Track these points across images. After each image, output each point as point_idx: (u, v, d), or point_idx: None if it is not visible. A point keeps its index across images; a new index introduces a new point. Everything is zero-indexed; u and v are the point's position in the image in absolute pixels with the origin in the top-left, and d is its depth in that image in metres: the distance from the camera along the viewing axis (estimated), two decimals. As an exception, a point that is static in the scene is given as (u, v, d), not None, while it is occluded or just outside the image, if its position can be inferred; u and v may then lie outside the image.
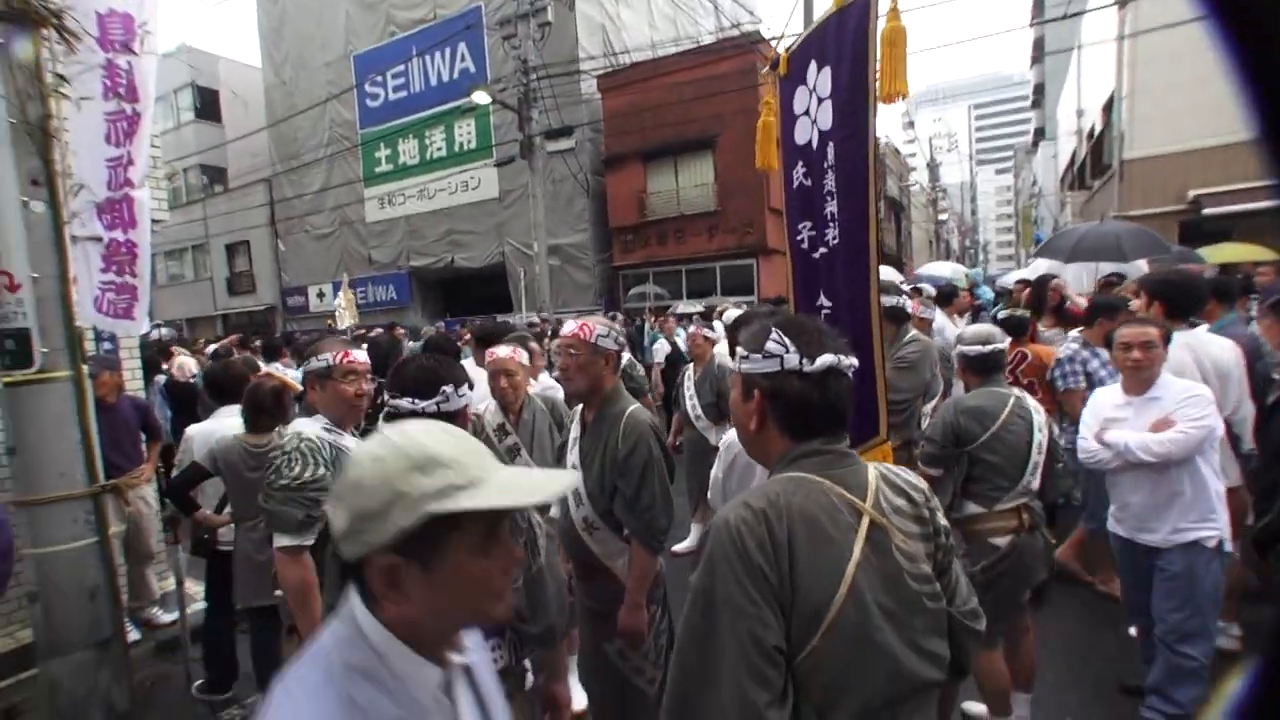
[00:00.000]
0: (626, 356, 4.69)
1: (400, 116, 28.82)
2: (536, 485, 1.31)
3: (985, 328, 4.22)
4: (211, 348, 14.22)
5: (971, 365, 3.99)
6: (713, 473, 3.30)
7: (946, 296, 9.05)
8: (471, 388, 2.84)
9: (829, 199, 3.54)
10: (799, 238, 3.85)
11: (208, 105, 35.57)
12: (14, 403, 3.66)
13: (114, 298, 4.48)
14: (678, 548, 6.48)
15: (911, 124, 55.10)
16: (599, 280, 26.04)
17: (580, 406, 3.52)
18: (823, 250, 3.66)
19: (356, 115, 30.23)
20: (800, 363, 1.73)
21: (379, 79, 28.60)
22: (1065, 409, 5.42)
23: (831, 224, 3.55)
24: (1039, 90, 50.36)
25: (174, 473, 5.16)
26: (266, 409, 4.19)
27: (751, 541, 1.59)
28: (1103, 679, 4.56)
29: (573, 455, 3.45)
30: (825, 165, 3.54)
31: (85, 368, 3.92)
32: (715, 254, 24.25)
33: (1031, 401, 3.90)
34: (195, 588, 5.62)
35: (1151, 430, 3.65)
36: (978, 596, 1.91)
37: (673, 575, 3.54)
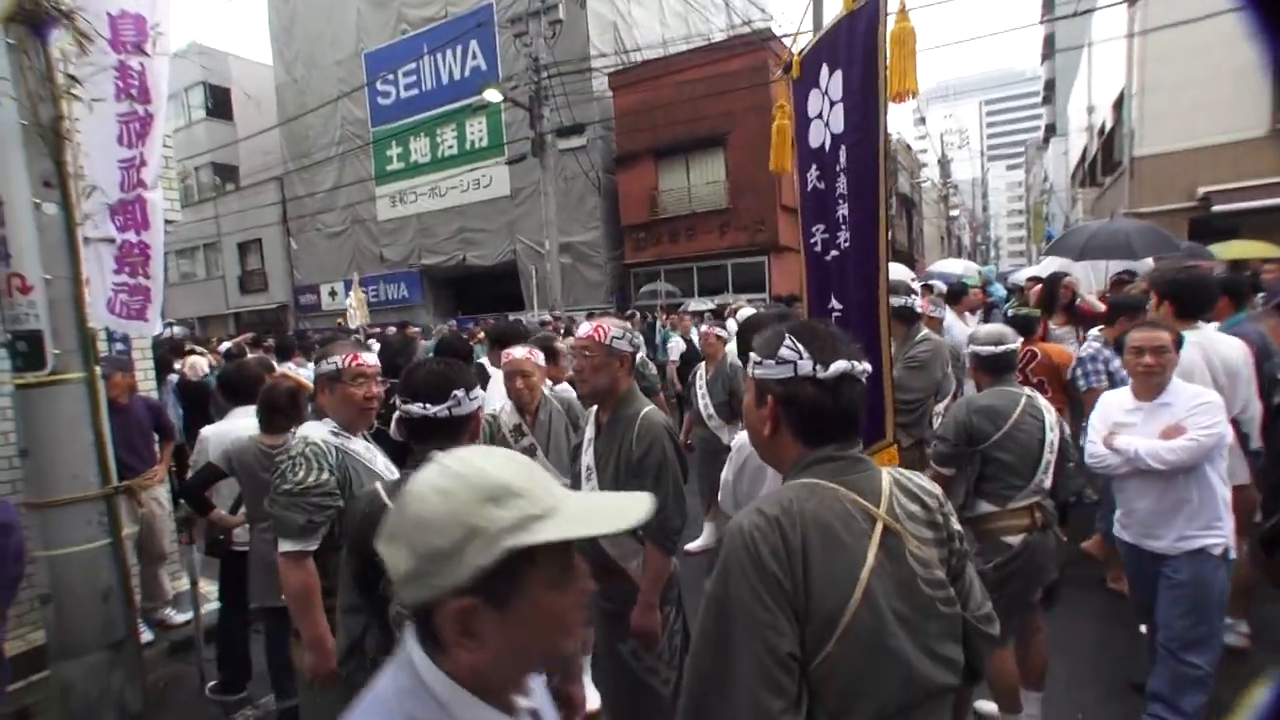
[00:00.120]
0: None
1: (412, 114, 28.88)
2: (616, 510, 1.19)
3: (998, 328, 4.20)
4: (225, 345, 14.25)
5: (984, 365, 3.98)
6: (723, 475, 3.28)
7: (956, 294, 9.01)
8: (484, 387, 2.83)
9: (841, 202, 3.53)
10: (813, 240, 3.85)
11: (219, 104, 35.61)
12: (26, 405, 3.68)
13: (127, 299, 4.49)
14: (691, 547, 6.47)
15: (923, 120, 54.88)
16: (610, 278, 26.07)
17: (595, 407, 3.51)
18: (834, 253, 3.66)
19: (368, 113, 30.30)
20: (814, 369, 1.72)
21: (390, 77, 28.65)
22: (1087, 408, 5.37)
23: (843, 227, 3.54)
24: (1050, 86, 50.00)
25: (188, 474, 5.16)
26: (282, 409, 4.18)
27: (765, 548, 1.58)
28: (1114, 677, 4.55)
29: (587, 456, 3.43)
30: (837, 168, 3.53)
31: (98, 369, 3.93)
32: (727, 251, 24.24)
33: (1042, 400, 3.90)
34: (209, 588, 5.62)
35: (1162, 437, 3.59)
36: (990, 595, 1.90)
37: (686, 575, 3.53)
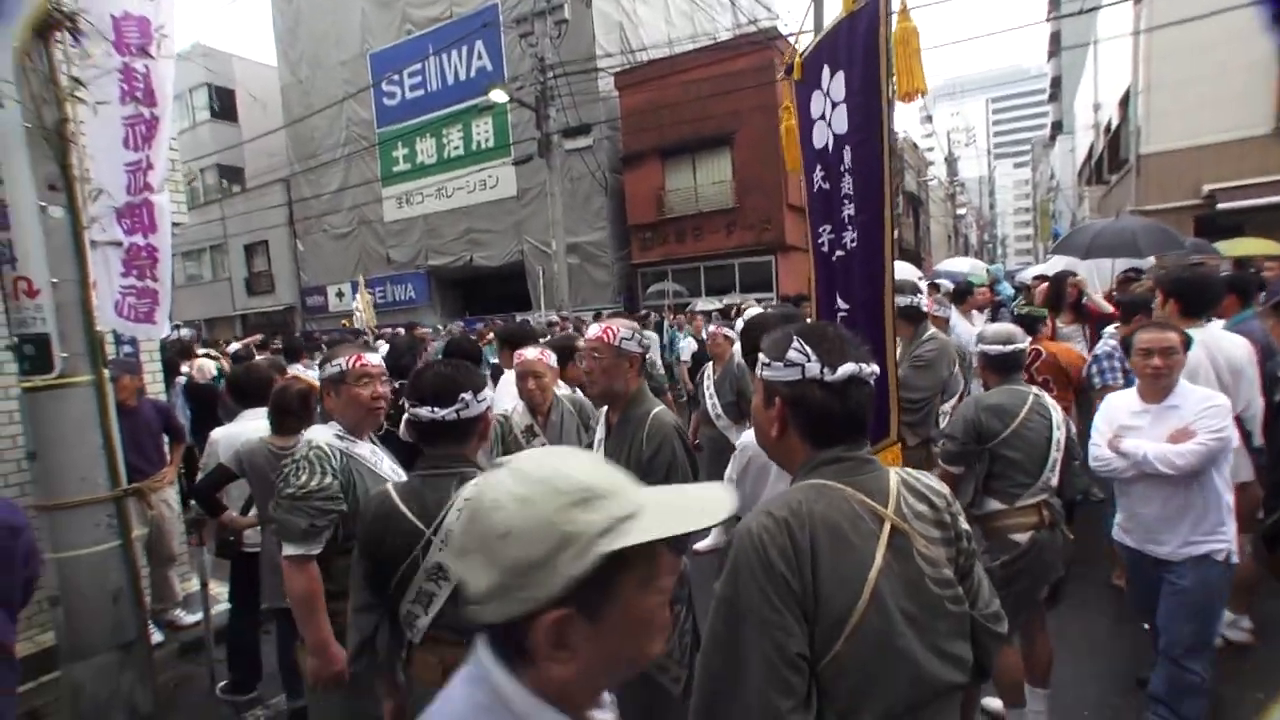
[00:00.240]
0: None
1: (417, 115, 28.91)
2: (700, 506, 1.12)
3: (1006, 327, 4.22)
4: (233, 347, 14.27)
5: (992, 364, 4.01)
6: (726, 475, 3.28)
7: (961, 294, 8.99)
8: (494, 386, 2.82)
9: (846, 202, 3.56)
10: (820, 241, 3.87)
11: (223, 105, 35.62)
12: (34, 408, 3.68)
13: (135, 302, 4.49)
14: (699, 546, 6.45)
15: (929, 118, 54.70)
16: (617, 278, 26.07)
17: (605, 408, 3.53)
18: (840, 253, 3.68)
19: (374, 114, 30.33)
20: (821, 372, 1.73)
21: (396, 78, 28.67)
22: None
23: (849, 227, 3.57)
24: (1056, 84, 50.01)
25: (197, 476, 5.17)
26: (293, 411, 4.18)
27: (774, 550, 1.60)
28: (1120, 674, 4.56)
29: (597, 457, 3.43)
30: (842, 169, 3.56)
31: (106, 372, 3.93)
32: (733, 251, 24.22)
33: (1049, 399, 3.92)
34: (219, 589, 5.65)
35: (1170, 440, 3.56)
36: (998, 593, 1.92)
37: (695, 574, 3.52)
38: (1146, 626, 4.13)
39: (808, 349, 1.75)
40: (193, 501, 4.96)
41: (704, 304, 19.51)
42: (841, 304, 3.72)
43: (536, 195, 25.11)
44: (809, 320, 3.03)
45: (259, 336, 16.45)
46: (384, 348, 9.48)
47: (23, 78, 3.53)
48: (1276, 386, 4.51)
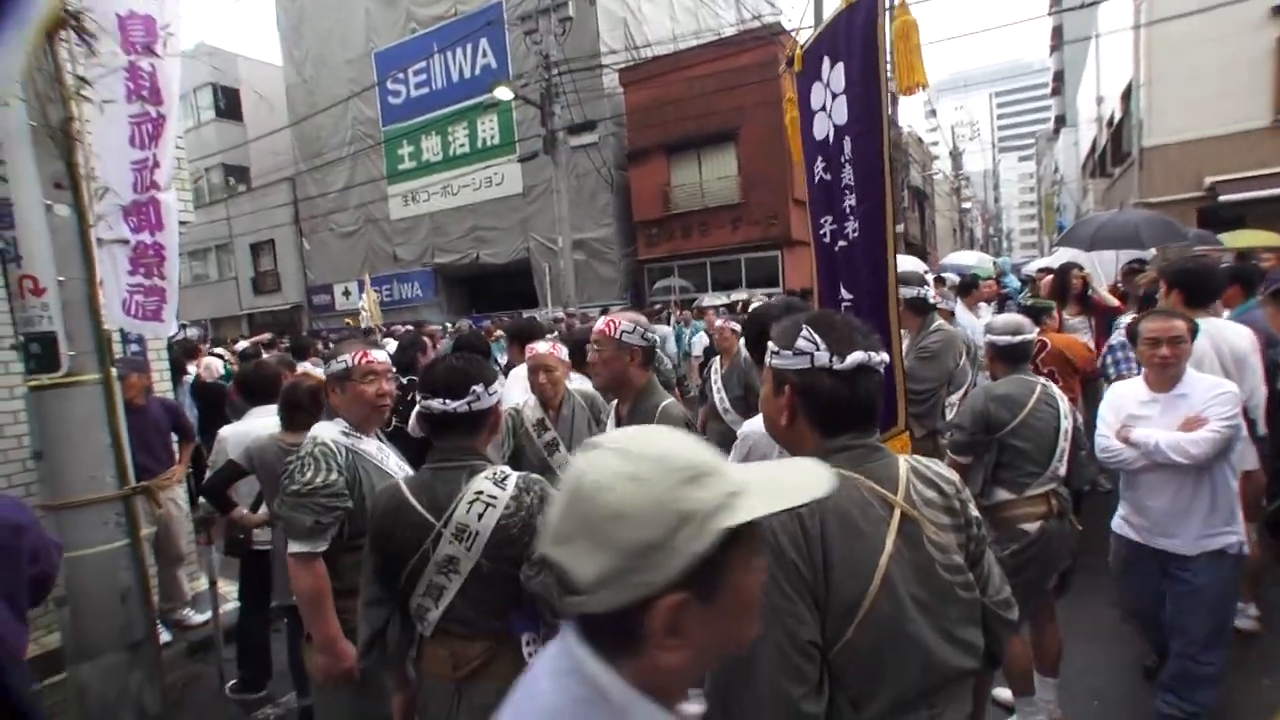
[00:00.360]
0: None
1: (423, 113, 28.93)
2: (802, 480, 1.10)
3: (1015, 318, 4.21)
4: (241, 345, 14.29)
5: (1001, 355, 4.02)
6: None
7: (966, 287, 9.00)
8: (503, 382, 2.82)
9: (847, 192, 3.58)
10: (821, 232, 3.89)
11: (229, 104, 35.55)
12: (41, 406, 3.67)
13: (142, 300, 4.49)
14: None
15: (934, 112, 54.68)
16: (624, 274, 26.09)
17: (615, 401, 3.55)
18: (843, 243, 3.70)
19: (379, 113, 30.37)
20: (830, 360, 1.72)
21: (401, 76, 28.68)
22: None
23: (851, 217, 3.59)
24: (1059, 78, 49.99)
25: (206, 474, 5.16)
26: (304, 407, 4.16)
27: (785, 538, 1.60)
28: (1128, 662, 4.55)
29: None
30: (843, 159, 3.58)
31: (114, 370, 3.93)
32: (739, 246, 24.25)
33: (1056, 389, 3.93)
34: (228, 588, 5.65)
35: (1182, 429, 3.49)
36: (1007, 582, 1.93)
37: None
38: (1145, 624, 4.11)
39: (817, 337, 1.74)
40: (201, 500, 4.96)
41: (710, 299, 19.52)
42: (845, 294, 3.74)
43: (542, 192, 25.11)
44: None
45: (267, 335, 16.40)
46: (391, 345, 9.50)
47: (28, 76, 3.52)
48: (1278, 374, 4.50)
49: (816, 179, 3.87)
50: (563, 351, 4.36)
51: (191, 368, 9.45)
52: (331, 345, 8.25)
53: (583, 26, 22.39)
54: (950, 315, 7.19)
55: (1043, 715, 3.93)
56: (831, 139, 3.66)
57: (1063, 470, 3.77)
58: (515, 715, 1.03)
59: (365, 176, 30.71)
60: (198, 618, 6.12)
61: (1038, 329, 4.83)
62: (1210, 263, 5.61)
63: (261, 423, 4.64)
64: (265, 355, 10.27)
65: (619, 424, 3.45)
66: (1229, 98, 17.43)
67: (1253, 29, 17.01)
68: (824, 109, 3.72)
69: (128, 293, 4.44)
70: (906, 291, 4.78)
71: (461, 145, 28.57)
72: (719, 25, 28.63)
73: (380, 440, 3.26)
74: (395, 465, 3.17)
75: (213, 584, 5.23)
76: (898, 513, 1.67)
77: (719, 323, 7.32)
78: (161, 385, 6.62)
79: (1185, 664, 3.54)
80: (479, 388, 2.47)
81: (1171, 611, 3.62)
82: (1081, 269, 7.72)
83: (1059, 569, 3.82)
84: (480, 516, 2.34)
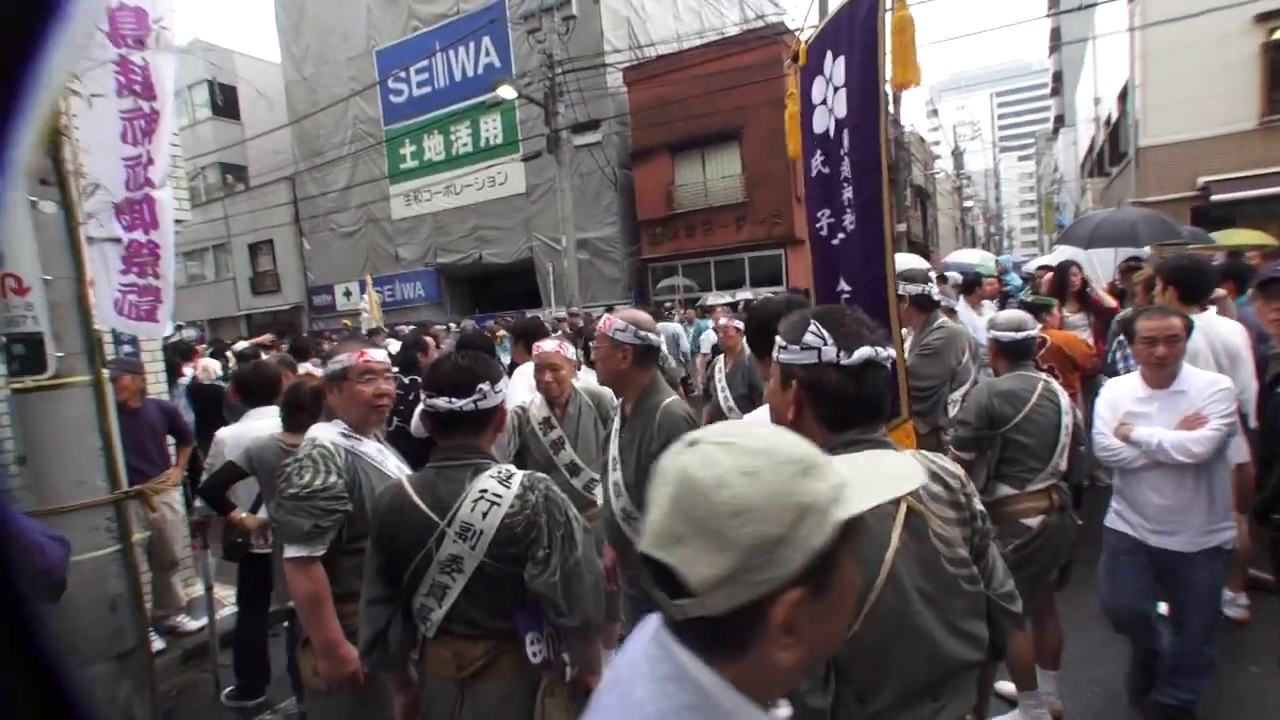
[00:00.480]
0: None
1: (425, 112, 28.92)
2: (901, 471, 1.13)
3: (1019, 314, 4.28)
4: (239, 345, 14.21)
5: (1004, 350, 4.07)
6: None
7: (969, 285, 9.17)
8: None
9: (846, 185, 3.68)
10: (818, 225, 4.00)
11: (226, 102, 35.29)
12: (25, 410, 3.54)
13: (136, 299, 4.39)
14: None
15: (935, 112, 54.76)
16: (627, 273, 26.17)
17: (621, 399, 3.59)
18: (841, 236, 3.80)
19: (380, 111, 30.35)
20: (838, 355, 1.73)
21: (402, 75, 28.68)
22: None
23: (849, 210, 3.68)
24: (1058, 79, 50.54)
25: (201, 478, 5.09)
26: (306, 408, 4.11)
27: None
28: (1127, 653, 4.52)
29: (613, 447, 3.53)
30: (842, 152, 3.68)
31: (105, 372, 3.82)
32: (743, 245, 24.35)
33: (1057, 385, 4.00)
34: (224, 593, 5.57)
35: (1182, 426, 3.60)
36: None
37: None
38: (1162, 608, 4.18)
39: (825, 332, 1.75)
40: (197, 503, 4.89)
41: (714, 298, 19.55)
42: (844, 285, 3.84)
43: (545, 191, 25.17)
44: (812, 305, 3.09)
45: (267, 337, 16.28)
46: (395, 345, 9.45)
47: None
48: (1269, 366, 4.53)
49: (814, 173, 3.98)
50: (569, 350, 4.45)
51: (188, 369, 9.38)
52: (331, 344, 8.19)
53: (586, 25, 22.37)
54: (952, 313, 7.25)
55: (1044, 709, 4.00)
56: (831, 132, 3.75)
57: (1064, 465, 3.83)
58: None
59: (367, 176, 30.68)
60: (192, 624, 6.03)
61: (1039, 325, 4.88)
62: (1204, 260, 5.90)
63: (259, 424, 4.61)
64: (265, 356, 10.20)
65: (622, 422, 3.52)
66: (1218, 100, 18.07)
67: (1238, 34, 17.60)
68: (825, 103, 3.80)
69: (120, 292, 4.33)
70: (911, 288, 5.02)
71: (464, 144, 28.55)
72: (723, 24, 28.60)
73: (380, 442, 3.21)
74: (395, 467, 3.12)
75: (208, 589, 5.14)
76: (904, 507, 1.69)
77: (723, 321, 7.31)
78: (156, 388, 6.52)
79: (1184, 658, 3.72)
80: (485, 386, 2.46)
81: (1174, 611, 3.83)
82: (1080, 268, 7.75)
83: (1060, 563, 3.90)
84: (484, 515, 2.33)
